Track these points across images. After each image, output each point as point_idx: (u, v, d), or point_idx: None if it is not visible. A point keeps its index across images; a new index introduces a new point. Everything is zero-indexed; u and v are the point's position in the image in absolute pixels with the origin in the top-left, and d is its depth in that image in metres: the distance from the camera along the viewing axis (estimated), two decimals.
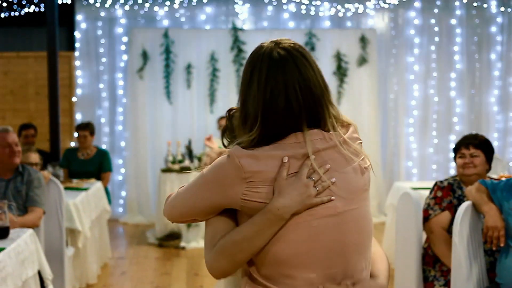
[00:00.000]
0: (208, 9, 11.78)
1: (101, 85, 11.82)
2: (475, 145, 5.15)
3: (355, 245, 2.28)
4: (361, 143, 2.40)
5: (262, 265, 2.28)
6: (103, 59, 11.81)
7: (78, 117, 11.68)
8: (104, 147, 11.41)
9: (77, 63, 11.78)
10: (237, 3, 11.66)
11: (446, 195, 5.13)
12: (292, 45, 2.33)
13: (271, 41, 2.35)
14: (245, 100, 2.31)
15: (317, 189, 2.21)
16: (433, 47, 12.08)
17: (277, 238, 2.22)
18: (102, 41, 11.79)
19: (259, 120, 2.26)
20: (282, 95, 2.24)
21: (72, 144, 11.46)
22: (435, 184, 5.26)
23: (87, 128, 9.33)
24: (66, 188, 7.25)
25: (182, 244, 9.23)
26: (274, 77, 2.26)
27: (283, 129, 2.25)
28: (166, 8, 11.68)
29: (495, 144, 11.71)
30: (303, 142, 2.24)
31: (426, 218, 5.12)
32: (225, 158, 2.25)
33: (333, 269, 2.25)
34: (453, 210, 4.99)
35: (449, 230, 4.98)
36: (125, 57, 11.78)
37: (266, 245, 2.24)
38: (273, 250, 2.24)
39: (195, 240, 9.35)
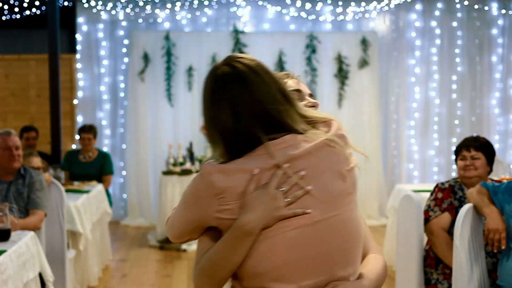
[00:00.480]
0: (209, 12, 11.79)
1: (102, 88, 11.83)
2: (476, 147, 5.15)
3: (339, 252, 2.20)
4: (346, 142, 2.29)
5: (243, 279, 2.24)
6: (105, 62, 11.82)
7: (79, 119, 11.69)
8: (105, 149, 11.41)
9: (79, 65, 11.79)
10: (238, 5, 11.67)
11: (447, 196, 5.13)
12: (237, 59, 2.27)
13: (224, 59, 2.31)
14: (204, 119, 2.28)
15: (288, 199, 2.15)
16: (434, 50, 12.08)
17: (253, 252, 2.16)
18: (104, 43, 11.80)
19: (218, 138, 2.23)
20: (228, 114, 2.19)
21: (74, 146, 11.46)
22: (436, 185, 5.26)
23: (90, 131, 9.34)
24: (67, 191, 7.25)
25: (183, 246, 9.22)
26: (219, 97, 2.22)
27: (245, 143, 2.19)
28: (167, 11, 11.68)
29: (496, 146, 11.70)
30: (275, 151, 2.16)
31: (427, 220, 5.12)
32: (199, 175, 2.22)
33: (316, 279, 2.17)
34: (454, 211, 4.99)
35: (449, 231, 4.98)
36: (126, 59, 11.79)
37: (244, 259, 2.18)
38: (249, 264, 2.18)
39: (196, 242, 9.33)
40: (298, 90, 2.56)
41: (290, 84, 2.56)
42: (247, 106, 2.19)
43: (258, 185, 2.15)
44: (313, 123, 2.28)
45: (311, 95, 2.62)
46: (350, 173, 2.25)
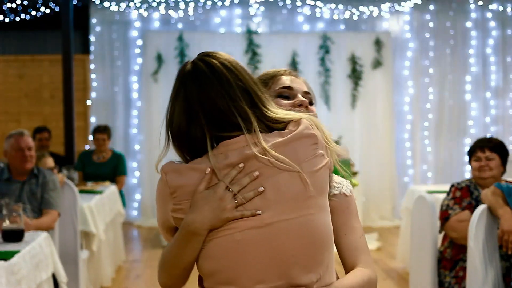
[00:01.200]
0: (223, 12, 11.79)
1: (116, 88, 11.85)
2: (490, 148, 5.14)
3: (297, 257, 2.08)
4: (315, 142, 2.16)
5: (204, 279, 2.21)
6: (118, 63, 11.84)
7: (93, 120, 11.71)
8: (118, 150, 11.42)
9: (92, 66, 11.82)
10: (251, 6, 11.67)
11: (466, 195, 5.11)
12: (204, 57, 2.23)
13: (196, 56, 2.28)
14: (166, 120, 2.26)
15: (236, 201, 2.09)
16: (448, 50, 12.04)
17: (203, 253, 2.13)
18: (117, 44, 11.82)
19: (170, 137, 2.24)
20: (182, 114, 2.18)
21: (87, 147, 11.48)
22: (452, 185, 5.24)
23: (105, 131, 9.36)
24: (81, 191, 7.26)
25: None
26: (178, 94, 2.21)
27: (199, 144, 2.16)
28: (181, 12, 11.69)
29: (510, 147, 11.65)
30: (228, 151, 2.12)
31: (446, 219, 5.08)
32: (160, 176, 2.22)
33: (271, 284, 2.08)
34: (473, 211, 4.97)
35: None
36: (139, 60, 11.80)
37: (198, 259, 2.16)
38: (201, 265, 2.16)
39: None
40: (289, 88, 2.46)
41: (283, 81, 2.48)
42: (199, 105, 2.15)
43: (209, 185, 2.11)
44: (283, 123, 2.20)
45: (306, 93, 2.50)
46: (314, 175, 2.13)
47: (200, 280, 2.25)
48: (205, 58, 2.23)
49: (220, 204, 2.09)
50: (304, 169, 2.11)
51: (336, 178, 2.36)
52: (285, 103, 2.42)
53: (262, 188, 2.08)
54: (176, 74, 2.26)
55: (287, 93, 2.45)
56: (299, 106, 2.43)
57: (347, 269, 2.27)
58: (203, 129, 2.15)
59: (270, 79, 2.48)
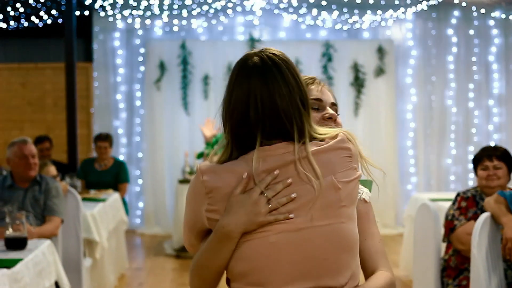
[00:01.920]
0: (225, 20, 11.80)
1: (119, 96, 11.86)
2: (497, 157, 5.12)
3: (327, 261, 2.16)
4: (350, 155, 2.25)
5: (232, 281, 2.25)
6: (121, 70, 11.85)
7: (96, 128, 11.71)
8: (121, 158, 11.42)
9: (95, 74, 11.83)
10: (254, 14, 11.68)
11: (472, 205, 5.09)
12: (271, 54, 2.27)
13: (258, 49, 2.31)
14: (222, 107, 2.29)
15: (270, 206, 2.14)
16: (450, 58, 12.04)
17: (235, 255, 2.17)
18: (120, 52, 11.84)
19: (228, 129, 2.25)
20: (243, 104, 2.20)
21: (94, 154, 11.48)
22: (458, 194, 5.22)
23: (107, 139, 9.38)
24: (84, 199, 7.26)
25: None
26: (240, 84, 2.22)
27: (245, 140, 2.20)
28: (184, 20, 11.70)
29: None
30: (267, 157, 2.17)
31: (452, 229, 5.07)
32: (195, 175, 2.25)
33: (301, 285, 2.15)
34: None
35: None
36: (142, 68, 11.82)
37: (230, 261, 2.20)
38: (232, 266, 2.20)
39: None
40: (319, 100, 2.51)
41: (313, 92, 2.51)
42: (261, 102, 2.19)
43: (245, 188, 2.16)
44: (322, 136, 2.26)
45: (333, 104, 2.56)
46: (347, 185, 2.21)
47: (228, 281, 2.29)
48: (272, 56, 2.27)
49: (255, 208, 2.15)
50: (338, 179, 2.19)
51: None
52: (314, 115, 2.46)
53: (295, 194, 2.14)
54: (238, 63, 2.29)
55: (316, 105, 2.50)
56: (329, 119, 2.49)
57: (368, 271, 2.36)
58: (250, 129, 2.19)
59: None
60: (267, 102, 2.19)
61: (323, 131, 2.27)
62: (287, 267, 2.14)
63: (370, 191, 2.48)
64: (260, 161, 2.16)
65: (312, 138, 2.23)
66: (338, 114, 2.56)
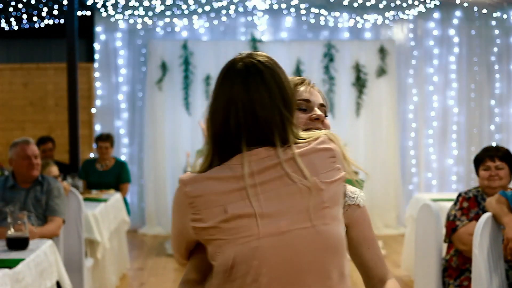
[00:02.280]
0: (227, 21, 11.80)
1: (120, 97, 11.87)
2: (500, 157, 5.12)
3: (309, 264, 2.13)
4: (332, 156, 2.22)
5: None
6: (122, 71, 11.86)
7: (98, 128, 11.72)
8: (123, 158, 11.43)
9: (97, 74, 11.84)
10: (256, 14, 11.68)
11: (473, 206, 5.09)
12: (255, 61, 2.25)
13: (245, 54, 2.29)
14: (206, 115, 2.28)
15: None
16: (452, 58, 12.04)
17: (219, 257, 2.15)
18: (121, 52, 11.84)
19: (210, 136, 2.24)
20: (224, 111, 2.19)
21: (92, 155, 11.48)
22: (459, 195, 5.21)
23: (108, 139, 9.37)
24: (85, 199, 7.26)
25: None
26: (222, 91, 2.22)
27: (226, 148, 2.19)
28: (185, 20, 11.71)
29: None
30: (252, 162, 2.15)
31: (454, 230, 5.06)
32: (177, 186, 2.24)
33: None
34: None
35: None
36: (144, 68, 11.82)
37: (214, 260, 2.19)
38: (217, 268, 2.18)
39: None
40: (307, 100, 2.48)
41: (301, 93, 2.49)
42: (242, 110, 2.18)
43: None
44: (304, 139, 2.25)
45: (322, 105, 2.52)
46: (330, 186, 2.18)
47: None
48: (256, 63, 2.25)
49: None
50: (321, 180, 2.16)
51: (351, 188, 2.40)
52: (302, 116, 2.44)
53: (277, 197, 2.13)
54: (223, 68, 2.28)
55: (304, 106, 2.47)
56: (316, 120, 2.46)
57: (374, 280, 2.39)
58: (231, 136, 2.19)
59: None
60: (248, 110, 2.17)
61: (305, 135, 2.25)
62: (271, 273, 2.11)
63: (362, 191, 2.44)
64: (246, 165, 2.14)
65: (295, 143, 2.21)
66: (326, 116, 2.53)
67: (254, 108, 2.18)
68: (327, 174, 2.19)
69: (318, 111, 2.48)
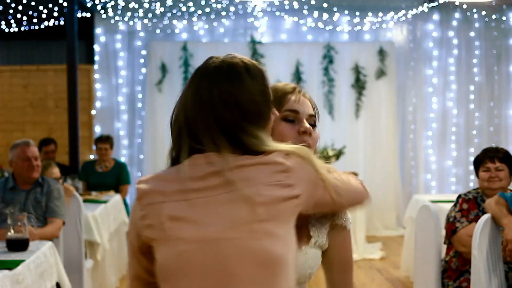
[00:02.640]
0: (227, 22, 11.82)
1: (120, 98, 11.88)
2: (500, 159, 5.12)
3: (239, 278, 2.03)
4: (283, 170, 2.11)
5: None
6: (122, 72, 11.87)
7: (97, 130, 11.72)
8: (123, 159, 11.43)
9: (96, 76, 11.85)
10: (255, 16, 11.69)
11: (473, 207, 5.09)
12: (226, 61, 2.21)
13: (223, 55, 2.27)
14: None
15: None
16: (451, 60, 12.05)
17: (157, 262, 2.11)
18: (121, 54, 11.85)
19: (172, 138, 2.24)
20: (181, 111, 2.17)
21: (92, 157, 11.49)
22: (459, 196, 5.22)
23: (107, 141, 9.37)
24: (85, 201, 7.27)
25: None
26: (187, 89, 2.20)
27: (180, 148, 2.17)
28: (185, 21, 11.72)
29: None
30: (194, 165, 2.12)
31: (454, 231, 5.06)
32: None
33: None
34: None
35: None
36: (144, 70, 11.83)
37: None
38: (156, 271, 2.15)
39: None
40: (295, 111, 2.40)
41: (290, 103, 2.42)
42: (193, 107, 2.15)
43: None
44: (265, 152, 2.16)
45: (311, 116, 2.44)
46: (269, 200, 2.06)
47: None
48: (220, 64, 2.21)
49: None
50: (260, 192, 2.07)
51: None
52: (289, 129, 2.38)
53: (213, 204, 2.08)
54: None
55: (292, 117, 2.39)
56: (303, 133, 2.38)
57: None
58: (186, 137, 2.17)
59: (280, 98, 2.41)
60: (197, 111, 2.14)
61: (273, 146, 2.16)
62: (194, 280, 2.06)
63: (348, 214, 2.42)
64: (187, 169, 2.11)
65: (254, 152, 2.13)
66: (315, 126, 2.44)
67: (207, 108, 2.13)
68: (270, 188, 2.08)
69: (306, 124, 2.39)
